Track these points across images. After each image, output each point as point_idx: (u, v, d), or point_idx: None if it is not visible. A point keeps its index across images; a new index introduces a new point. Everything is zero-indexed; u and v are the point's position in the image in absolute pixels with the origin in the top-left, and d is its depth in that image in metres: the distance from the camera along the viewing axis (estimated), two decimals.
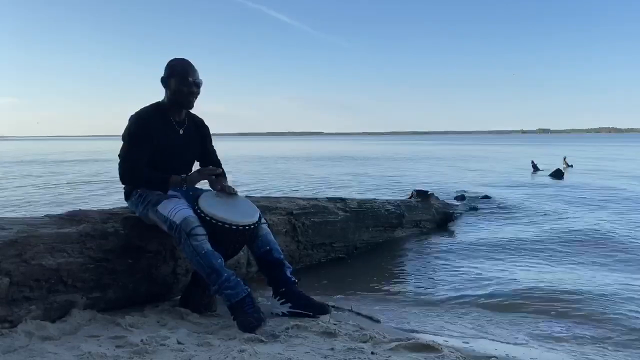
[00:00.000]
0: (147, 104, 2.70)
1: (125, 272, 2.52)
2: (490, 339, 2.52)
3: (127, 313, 2.42)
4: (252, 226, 2.47)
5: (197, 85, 2.66)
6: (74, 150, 39.14)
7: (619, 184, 10.71)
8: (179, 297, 2.72)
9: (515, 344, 2.46)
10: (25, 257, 2.18)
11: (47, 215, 2.63)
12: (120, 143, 2.61)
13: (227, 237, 2.41)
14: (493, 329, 2.67)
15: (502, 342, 2.48)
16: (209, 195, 2.58)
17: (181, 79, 2.61)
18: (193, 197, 2.55)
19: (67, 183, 11.60)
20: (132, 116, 2.61)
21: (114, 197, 8.13)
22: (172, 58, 2.68)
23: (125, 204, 2.78)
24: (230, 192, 2.60)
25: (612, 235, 5.29)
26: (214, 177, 2.66)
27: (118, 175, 2.60)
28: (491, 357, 2.04)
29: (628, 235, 5.21)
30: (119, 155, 2.61)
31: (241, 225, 2.42)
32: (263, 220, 2.62)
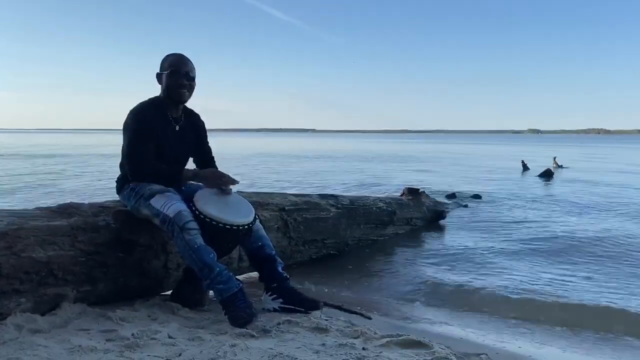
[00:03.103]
0: (144, 100, 2.64)
1: (116, 266, 2.50)
2: (481, 336, 2.55)
3: (118, 307, 2.41)
4: (246, 227, 2.44)
5: (189, 78, 2.60)
6: (72, 143, 38.77)
7: (607, 183, 10.85)
8: (170, 291, 2.71)
9: (506, 341, 2.49)
10: (15, 249, 2.16)
11: (37, 208, 2.60)
12: (118, 138, 2.55)
13: (220, 236, 2.38)
14: (485, 326, 2.69)
15: (493, 339, 2.50)
16: (205, 193, 2.51)
17: (172, 73, 2.57)
18: (187, 194, 2.51)
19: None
20: (131, 111, 2.55)
21: (105, 190, 8.07)
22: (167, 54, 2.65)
23: (117, 197, 2.76)
24: (221, 176, 2.57)
25: (593, 230, 5.37)
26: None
27: (127, 172, 2.52)
28: (482, 353, 2.06)
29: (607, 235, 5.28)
30: (123, 153, 2.53)
31: (235, 225, 2.39)
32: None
